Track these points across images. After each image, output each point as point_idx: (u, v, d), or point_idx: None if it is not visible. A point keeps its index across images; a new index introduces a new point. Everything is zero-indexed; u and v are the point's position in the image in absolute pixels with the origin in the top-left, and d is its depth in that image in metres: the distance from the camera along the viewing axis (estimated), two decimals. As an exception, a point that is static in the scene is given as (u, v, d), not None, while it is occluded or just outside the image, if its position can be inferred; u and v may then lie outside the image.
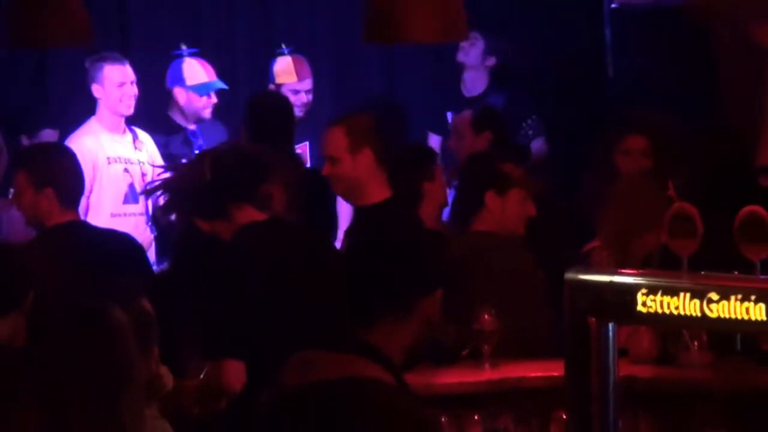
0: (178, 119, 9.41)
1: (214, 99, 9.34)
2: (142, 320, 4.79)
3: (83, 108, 9.19)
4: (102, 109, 8.89)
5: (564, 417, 5.19)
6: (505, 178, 7.16)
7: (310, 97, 9.60)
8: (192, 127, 9.34)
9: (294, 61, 9.73)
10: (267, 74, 9.86)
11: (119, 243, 7.23)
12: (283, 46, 9.90)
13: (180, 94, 9.32)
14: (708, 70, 10.66)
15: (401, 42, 7.97)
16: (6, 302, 5.02)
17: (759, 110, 9.73)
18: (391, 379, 3.98)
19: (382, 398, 3.94)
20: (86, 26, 7.51)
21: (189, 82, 9.26)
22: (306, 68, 9.71)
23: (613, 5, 11.52)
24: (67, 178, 6.94)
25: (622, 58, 11.45)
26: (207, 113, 9.33)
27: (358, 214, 7.31)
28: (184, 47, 9.53)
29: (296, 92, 9.48)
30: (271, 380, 4.25)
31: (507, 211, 7.16)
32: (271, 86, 9.68)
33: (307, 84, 9.59)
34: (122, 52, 9.60)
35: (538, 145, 10.34)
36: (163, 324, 4.97)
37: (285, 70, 9.68)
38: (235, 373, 5.63)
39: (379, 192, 7.13)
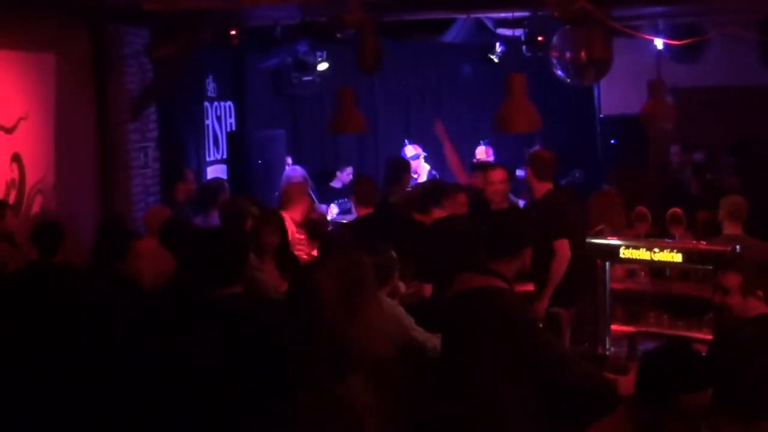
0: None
1: (421, 161, 9.34)
2: (391, 260, 4.82)
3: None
4: None
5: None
6: None
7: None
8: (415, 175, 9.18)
9: (485, 147, 9.96)
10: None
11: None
12: (481, 141, 10.13)
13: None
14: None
15: (511, 132, 7.87)
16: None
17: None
18: (507, 287, 3.96)
19: (504, 296, 3.91)
20: (363, 124, 7.73)
21: (408, 155, 9.26)
22: (491, 150, 9.95)
23: (600, 115, 11.38)
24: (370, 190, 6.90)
25: (606, 144, 11.26)
26: (418, 168, 9.30)
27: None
28: (406, 140, 9.54)
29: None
30: (447, 289, 4.13)
31: None
32: (474, 159, 9.70)
33: (490, 156, 9.89)
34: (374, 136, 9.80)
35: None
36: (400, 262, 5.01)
37: (481, 151, 9.97)
38: (427, 289, 5.61)
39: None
